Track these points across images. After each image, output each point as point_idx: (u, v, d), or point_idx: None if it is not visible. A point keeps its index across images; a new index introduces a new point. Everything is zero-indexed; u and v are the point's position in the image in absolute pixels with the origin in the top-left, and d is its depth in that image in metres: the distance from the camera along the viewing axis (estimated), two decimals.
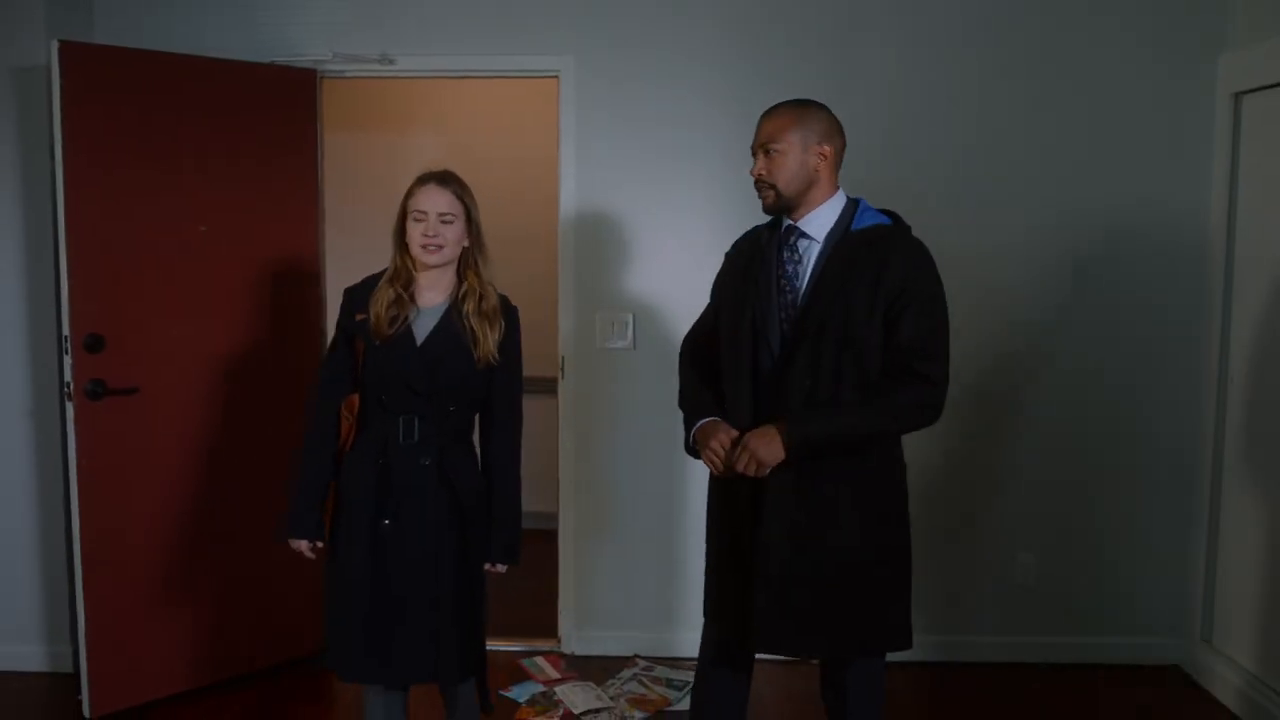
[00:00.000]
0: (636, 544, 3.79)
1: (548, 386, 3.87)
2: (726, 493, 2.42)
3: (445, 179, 2.48)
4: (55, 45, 3.10)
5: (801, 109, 2.36)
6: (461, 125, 5.13)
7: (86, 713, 3.29)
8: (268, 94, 3.52)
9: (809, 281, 2.32)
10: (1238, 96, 3.50)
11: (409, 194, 2.46)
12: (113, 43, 3.47)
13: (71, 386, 3.19)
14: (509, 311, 2.56)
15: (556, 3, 3.66)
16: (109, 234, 3.23)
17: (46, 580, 3.63)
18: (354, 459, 2.49)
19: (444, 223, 2.44)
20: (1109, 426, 3.72)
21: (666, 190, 3.61)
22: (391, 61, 3.68)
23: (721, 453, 2.32)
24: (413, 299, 2.49)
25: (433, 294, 2.50)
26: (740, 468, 2.26)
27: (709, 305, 2.60)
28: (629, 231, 3.62)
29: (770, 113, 2.39)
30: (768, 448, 2.24)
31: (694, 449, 2.42)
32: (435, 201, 2.44)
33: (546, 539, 3.91)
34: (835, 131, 2.38)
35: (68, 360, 3.19)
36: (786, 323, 2.32)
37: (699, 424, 2.41)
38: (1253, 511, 3.41)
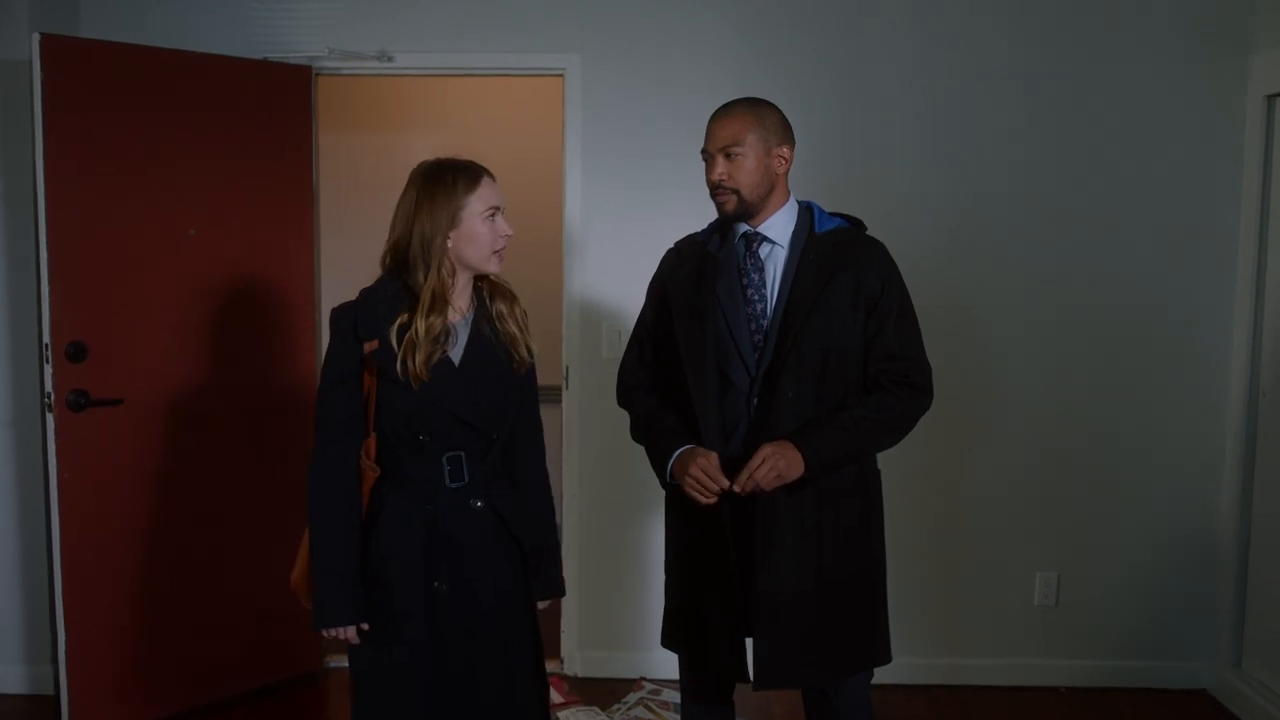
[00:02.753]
0: (643, 560, 3.65)
1: (552, 395, 3.73)
2: (704, 522, 2.21)
3: (489, 171, 2.12)
4: (36, 39, 2.96)
5: (757, 109, 2.24)
6: (463, 126, 4.98)
7: None
8: (260, 92, 3.39)
9: (779, 289, 2.22)
10: (1271, 99, 3.37)
11: (464, 191, 2.05)
12: (99, 38, 3.32)
13: (52, 397, 3.05)
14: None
15: None
16: (92, 237, 3.09)
17: (27, 598, 3.49)
18: (390, 517, 2.10)
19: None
20: (1133, 442, 3.58)
21: (676, 194, 3.46)
22: (389, 58, 3.54)
23: (709, 478, 2.12)
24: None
25: (459, 304, 2.12)
26: (762, 482, 2.10)
27: (641, 323, 2.44)
28: (636, 236, 3.47)
29: (725, 114, 2.23)
30: (789, 462, 2.12)
31: (673, 482, 2.23)
32: (499, 196, 2.10)
33: None
34: (790, 133, 2.29)
35: (48, 369, 3.04)
36: (759, 334, 2.21)
37: (678, 453, 2.20)
38: None
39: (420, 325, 2.03)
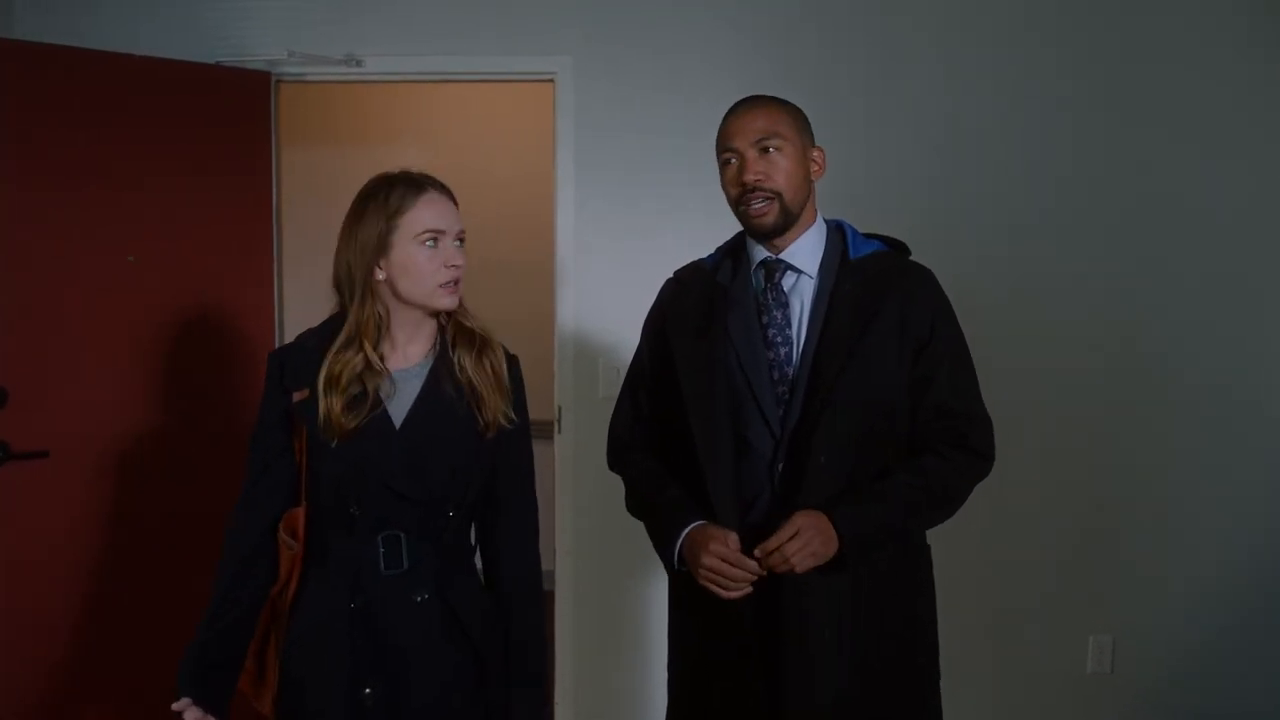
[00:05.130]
0: (647, 625, 3.27)
1: (542, 430, 3.39)
2: (718, 615, 1.81)
3: (443, 186, 1.79)
4: None
5: (785, 104, 1.87)
6: (449, 138, 4.68)
7: None
8: (212, 100, 3.06)
9: (809, 329, 1.84)
10: None
11: (396, 210, 1.71)
12: (28, 39, 2.97)
13: None
14: (510, 360, 1.88)
15: None
16: (14, 264, 2.78)
17: None
18: (310, 607, 1.75)
19: (458, 246, 1.77)
20: (1196, 487, 3.22)
21: (680, 211, 3.15)
22: (359, 63, 3.21)
23: (731, 567, 1.72)
24: (381, 361, 1.77)
25: (412, 349, 1.79)
26: (794, 561, 1.70)
27: (635, 368, 2.05)
28: (636, 261, 3.10)
29: (752, 104, 1.85)
30: (825, 539, 1.72)
31: (683, 568, 1.83)
32: (449, 217, 1.75)
33: None
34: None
35: None
36: (784, 385, 1.82)
37: (686, 531, 1.80)
38: None
39: (325, 367, 1.71)
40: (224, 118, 3.08)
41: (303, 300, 3.37)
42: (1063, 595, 3.26)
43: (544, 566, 3.27)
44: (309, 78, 3.24)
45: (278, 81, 3.21)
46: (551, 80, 3.23)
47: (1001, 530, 3.23)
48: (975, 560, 3.22)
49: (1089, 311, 3.20)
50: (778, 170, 1.81)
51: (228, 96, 3.09)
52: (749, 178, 1.81)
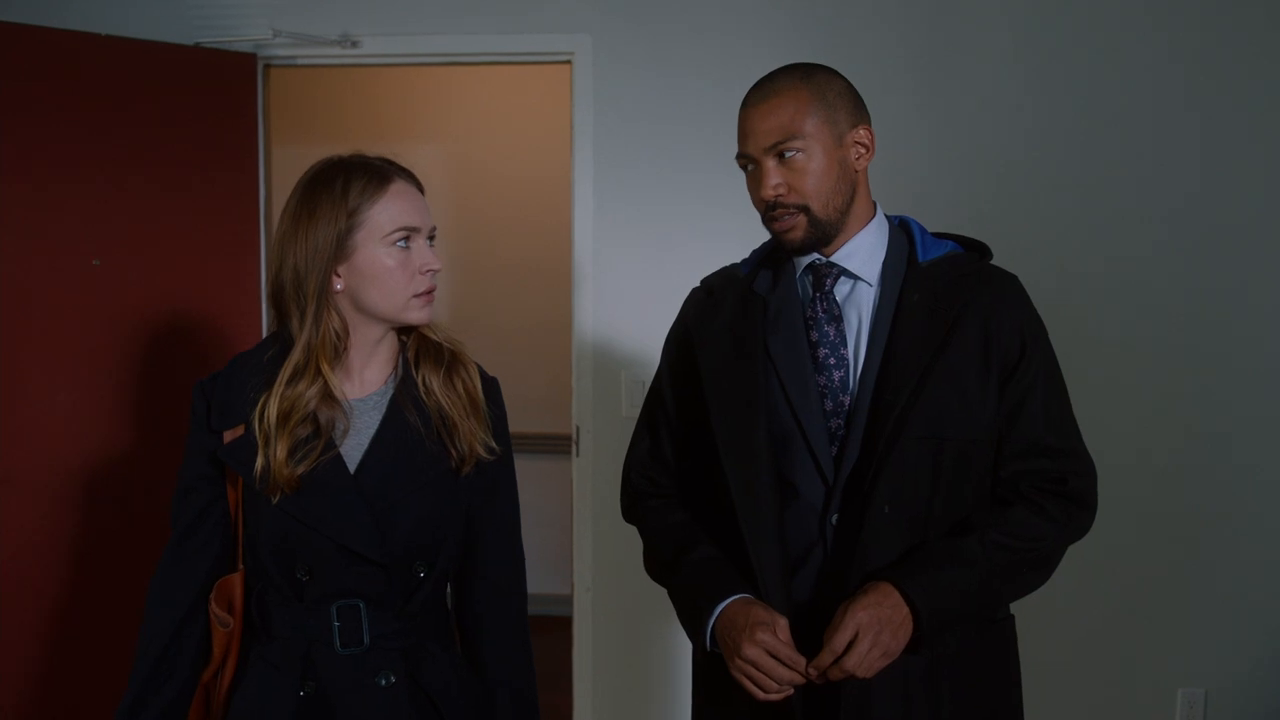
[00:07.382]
0: (674, 665, 3.02)
1: (561, 445, 3.30)
2: (763, 706, 1.47)
3: (410, 173, 1.51)
4: None
5: (813, 79, 1.53)
6: (455, 127, 4.45)
7: None
8: (192, 85, 2.83)
9: (869, 347, 1.54)
10: None
11: (358, 205, 1.41)
12: None
13: None
14: (488, 383, 1.58)
15: None
16: None
17: None
18: (251, 695, 1.47)
19: (432, 246, 1.49)
20: None
21: (712, 209, 2.90)
22: (354, 44, 2.97)
23: (778, 667, 1.40)
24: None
25: (369, 373, 1.50)
26: (859, 672, 1.38)
27: (654, 397, 1.73)
28: (664, 262, 2.90)
29: (768, 93, 1.52)
30: (895, 629, 1.39)
31: (715, 650, 1.51)
32: (421, 210, 1.47)
33: (559, 628, 3.22)
34: (863, 107, 1.58)
35: None
36: (839, 417, 1.51)
37: (723, 606, 1.48)
38: None
39: (273, 405, 1.42)
40: (205, 105, 2.84)
41: None
42: (1148, 644, 2.96)
43: (561, 591, 3.09)
44: (300, 61, 2.99)
45: (265, 65, 2.97)
46: (569, 62, 3.00)
47: (1079, 575, 2.88)
48: (1050, 608, 2.90)
49: (1180, 334, 2.90)
50: (802, 178, 1.49)
51: (209, 81, 2.85)
52: (767, 193, 1.50)
